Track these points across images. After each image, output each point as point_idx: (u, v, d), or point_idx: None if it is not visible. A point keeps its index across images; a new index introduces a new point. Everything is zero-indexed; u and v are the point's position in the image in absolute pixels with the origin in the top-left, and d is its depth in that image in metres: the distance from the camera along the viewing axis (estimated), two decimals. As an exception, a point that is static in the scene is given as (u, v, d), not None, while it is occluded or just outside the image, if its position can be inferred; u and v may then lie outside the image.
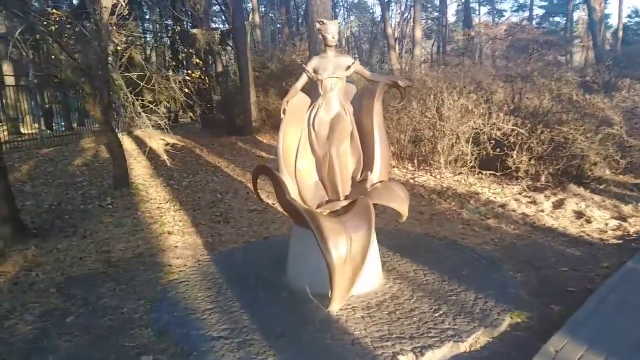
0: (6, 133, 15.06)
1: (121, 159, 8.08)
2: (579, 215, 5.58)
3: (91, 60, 7.93)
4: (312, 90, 4.21)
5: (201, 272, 4.48)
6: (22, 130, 16.83)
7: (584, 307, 3.28)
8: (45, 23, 7.04)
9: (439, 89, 7.06)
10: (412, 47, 23.24)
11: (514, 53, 10.32)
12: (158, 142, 15.65)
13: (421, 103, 7.67)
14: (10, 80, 17.71)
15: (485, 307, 3.46)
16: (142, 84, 8.54)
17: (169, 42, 18.39)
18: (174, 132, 18.28)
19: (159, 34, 17.82)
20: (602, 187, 6.38)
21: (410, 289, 3.86)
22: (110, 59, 10.49)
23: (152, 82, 13.26)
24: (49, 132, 14.87)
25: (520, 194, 6.47)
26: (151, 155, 10.31)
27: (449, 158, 7.49)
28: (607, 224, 5.30)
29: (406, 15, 35.12)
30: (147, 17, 20.28)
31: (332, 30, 4.02)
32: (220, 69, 19.14)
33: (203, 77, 12.81)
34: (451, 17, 41.80)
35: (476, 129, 6.87)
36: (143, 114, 6.33)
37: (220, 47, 18.78)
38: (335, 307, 3.39)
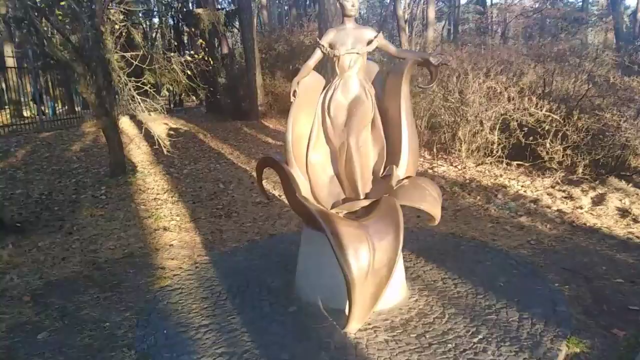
0: (9, 116, 14.58)
1: (117, 146, 7.52)
2: (624, 213, 4.96)
3: (84, 38, 7.35)
4: (326, 69, 3.61)
5: (198, 276, 3.93)
6: (25, 114, 16.36)
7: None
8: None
9: (463, 70, 6.39)
10: (425, 28, 22.36)
11: (539, 32, 9.55)
12: (160, 126, 15.13)
13: (442, 86, 7.01)
14: (11, 62, 17.18)
15: (533, 330, 2.88)
16: (142, 66, 7.93)
17: (171, 22, 17.68)
18: (178, 116, 17.80)
19: (161, 13, 17.12)
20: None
21: (439, 304, 3.29)
22: (107, 38, 9.91)
23: (153, 63, 12.67)
24: (43, 116, 14.31)
25: (552, 187, 5.84)
26: (152, 140, 9.75)
27: (472, 146, 6.86)
28: (656, 224, 4.69)
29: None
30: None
31: (351, -5, 3.39)
32: (225, 50, 18.43)
33: (207, 59, 12.17)
34: (462, -1, 40.53)
35: (504, 114, 6.22)
36: (137, 97, 5.74)
37: (225, 27, 18.07)
38: (353, 328, 2.83)
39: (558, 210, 5.17)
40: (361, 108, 3.42)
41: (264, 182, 4.35)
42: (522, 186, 5.98)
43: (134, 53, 7.32)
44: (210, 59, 13.29)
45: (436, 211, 3.06)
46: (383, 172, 3.35)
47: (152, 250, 4.51)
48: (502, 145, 6.37)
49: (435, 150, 7.74)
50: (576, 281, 3.57)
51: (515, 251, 4.22)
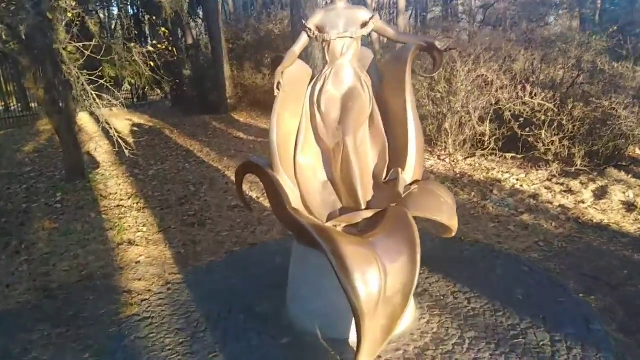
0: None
1: (72, 146, 6.78)
2: (630, 206, 4.67)
3: (31, 27, 6.54)
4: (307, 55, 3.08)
5: (170, 301, 3.38)
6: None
7: None
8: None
9: (450, 57, 5.97)
10: (396, 16, 21.99)
11: (517, 18, 9.29)
12: (123, 122, 14.23)
13: (426, 73, 6.56)
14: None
15: (571, 357, 2.48)
16: (97, 57, 7.15)
17: (131, 11, 16.62)
18: (142, 111, 16.84)
19: (119, 1, 16.05)
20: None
21: (455, 325, 2.85)
22: (58, 28, 9.01)
23: (112, 55, 11.77)
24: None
25: (549, 180, 5.52)
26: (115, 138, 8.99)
27: (459, 138, 6.47)
28: (665, 217, 4.41)
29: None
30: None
31: (343, -32, 2.88)
32: (190, 41, 17.53)
33: (171, 49, 11.39)
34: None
35: (496, 103, 5.84)
36: (90, 91, 5.04)
37: (189, 16, 17.18)
38: (362, 365, 2.36)
39: (560, 206, 4.84)
40: (357, 101, 2.92)
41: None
42: (517, 180, 5.63)
43: (87, 43, 6.55)
44: (174, 50, 12.50)
45: (454, 222, 2.60)
46: (386, 176, 2.86)
47: (115, 270, 3.91)
48: (495, 136, 5.99)
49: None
50: (600, 290, 3.21)
51: (526, 255, 3.84)
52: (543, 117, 5.50)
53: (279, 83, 2.86)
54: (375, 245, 2.39)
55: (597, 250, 3.88)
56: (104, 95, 5.30)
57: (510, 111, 5.68)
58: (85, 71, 5.25)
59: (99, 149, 9.23)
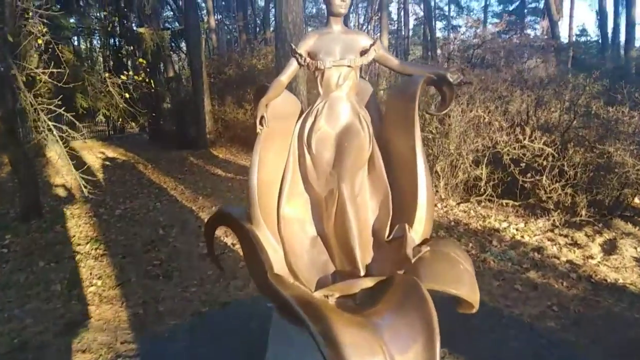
0: None
1: (30, 183, 6.12)
2: (645, 263, 4.24)
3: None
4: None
5: (118, 381, 2.72)
6: None
7: None
8: None
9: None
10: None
11: (503, 60, 9.21)
12: (95, 155, 13.54)
13: (420, 114, 6.21)
14: None
15: None
16: (67, 86, 6.60)
17: (110, 41, 16.20)
18: (118, 143, 16.18)
19: (97, 30, 15.62)
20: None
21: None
22: (32, 55, 8.48)
23: (86, 85, 11.22)
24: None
25: (551, 230, 5.10)
26: (84, 171, 8.33)
27: (453, 182, 6.05)
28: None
29: (365, 26, 34.08)
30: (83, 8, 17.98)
31: (341, -14, 2.45)
32: (171, 73, 17.16)
33: (148, 81, 10.93)
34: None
35: (493, 146, 5.46)
36: (45, 120, 4.43)
37: (170, 49, 16.89)
38: None
39: (568, 261, 4.38)
40: (355, 141, 2.44)
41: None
42: (517, 230, 5.19)
43: (55, 70, 6.00)
44: (152, 82, 12.03)
45: (476, 297, 2.08)
46: (389, 233, 2.34)
47: (55, 337, 3.23)
48: (492, 182, 5.58)
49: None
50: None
51: (541, 323, 3.33)
52: (544, 163, 5.12)
53: (262, 117, 2.36)
54: (381, 328, 1.85)
55: (619, 317, 3.41)
56: (64, 127, 4.71)
57: (508, 155, 5.30)
58: (40, 99, 4.68)
59: (65, 184, 8.53)
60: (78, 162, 6.16)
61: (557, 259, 4.46)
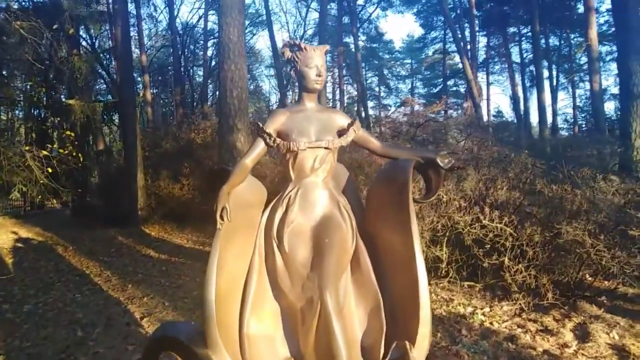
0: None
1: None
2: (621, 352, 4.02)
3: None
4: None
5: None
6: None
7: None
8: None
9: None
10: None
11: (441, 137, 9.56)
12: (6, 235, 12.04)
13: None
14: None
15: None
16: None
17: (35, 113, 15.19)
18: (34, 221, 14.65)
19: (20, 101, 14.61)
20: (614, 302, 5.02)
21: None
22: None
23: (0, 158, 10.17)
24: None
25: (519, 315, 4.83)
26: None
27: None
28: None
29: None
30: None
31: (316, 60, 2.15)
32: (101, 146, 16.26)
33: (76, 154, 10.11)
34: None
35: (452, 226, 5.27)
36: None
37: (102, 122, 16.13)
38: None
39: (545, 351, 4.07)
40: (337, 236, 2.04)
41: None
42: (484, 315, 4.88)
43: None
44: (80, 156, 11.18)
45: None
46: (385, 353, 1.88)
47: None
48: (456, 263, 5.32)
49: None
50: None
51: None
52: (506, 243, 4.97)
53: (223, 209, 1.90)
54: None
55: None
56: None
57: (469, 235, 5.11)
58: None
59: (-38, 273, 7.27)
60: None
61: (532, 349, 4.13)
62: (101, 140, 16.42)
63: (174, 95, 26.87)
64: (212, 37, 26.58)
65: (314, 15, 30.00)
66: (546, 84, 26.48)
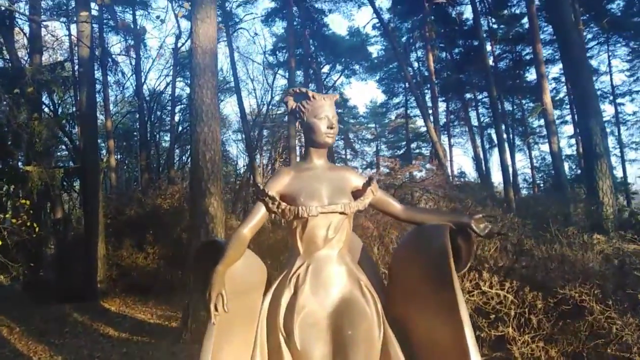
0: None
1: None
2: None
3: None
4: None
5: None
6: None
7: None
8: None
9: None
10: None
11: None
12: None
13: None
14: None
15: None
16: None
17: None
18: (-24, 298, 13.28)
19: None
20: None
21: None
22: None
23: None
24: None
25: (529, 391, 4.39)
26: None
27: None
28: None
29: (270, 167, 34.77)
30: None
31: (327, 110, 1.83)
32: (59, 214, 15.28)
33: (29, 224, 9.32)
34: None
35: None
36: None
37: (62, 189, 15.28)
38: None
39: None
40: (362, 326, 1.64)
41: None
42: (491, 393, 4.40)
43: None
44: (36, 226, 10.35)
45: None
46: None
47: None
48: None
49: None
50: None
51: None
52: (510, 312, 4.59)
53: (218, 296, 1.46)
54: None
55: None
56: None
57: (468, 303, 4.72)
58: None
59: None
60: None
61: None
62: (60, 207, 15.49)
63: (139, 161, 26.23)
64: (179, 102, 26.56)
65: (281, 82, 30.61)
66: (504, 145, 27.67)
